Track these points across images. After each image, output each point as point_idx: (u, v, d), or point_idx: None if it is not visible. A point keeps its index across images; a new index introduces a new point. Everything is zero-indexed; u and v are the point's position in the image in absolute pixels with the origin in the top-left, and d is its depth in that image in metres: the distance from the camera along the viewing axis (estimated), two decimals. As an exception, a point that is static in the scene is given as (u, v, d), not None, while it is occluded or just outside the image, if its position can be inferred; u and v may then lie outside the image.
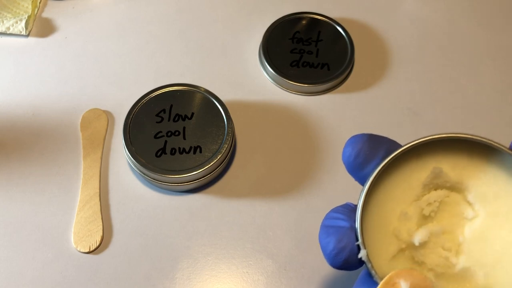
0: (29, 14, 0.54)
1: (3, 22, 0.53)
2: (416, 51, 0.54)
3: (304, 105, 0.49)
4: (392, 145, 0.27)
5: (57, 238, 0.42)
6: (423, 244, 0.26)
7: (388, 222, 0.27)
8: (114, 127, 0.48)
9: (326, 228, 0.28)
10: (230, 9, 0.57)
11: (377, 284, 0.25)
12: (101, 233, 0.41)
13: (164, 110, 0.45)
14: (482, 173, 0.26)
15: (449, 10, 0.57)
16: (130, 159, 0.43)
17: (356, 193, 0.44)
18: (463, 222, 0.27)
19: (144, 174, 0.43)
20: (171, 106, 0.45)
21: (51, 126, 0.48)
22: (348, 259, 0.26)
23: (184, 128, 0.44)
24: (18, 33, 0.53)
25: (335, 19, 0.53)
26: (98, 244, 0.41)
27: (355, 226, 0.26)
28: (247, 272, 0.40)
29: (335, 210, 0.29)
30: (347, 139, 0.28)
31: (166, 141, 0.43)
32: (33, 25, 0.55)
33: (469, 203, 0.27)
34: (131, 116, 0.45)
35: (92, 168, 0.45)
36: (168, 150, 0.43)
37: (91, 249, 0.41)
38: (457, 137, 0.26)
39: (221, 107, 0.45)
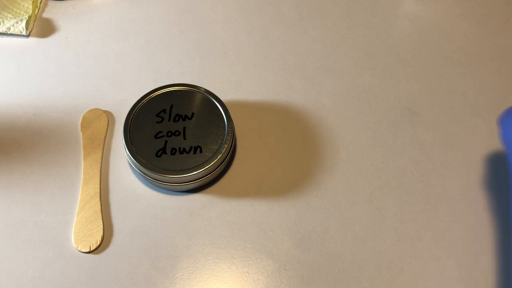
0: (30, 14, 0.54)
1: (3, 22, 0.53)
2: (416, 51, 0.54)
3: (304, 105, 0.50)
4: None
5: (58, 237, 0.42)
6: None
7: None
8: (114, 127, 0.48)
9: None
10: (230, 9, 0.57)
11: None
12: (101, 233, 0.42)
13: (164, 110, 0.45)
14: None
15: (449, 10, 0.58)
16: (131, 159, 0.43)
17: (355, 194, 0.45)
18: None
19: (144, 174, 0.43)
20: (171, 106, 0.45)
21: (52, 126, 0.48)
22: None
23: (184, 128, 0.44)
24: (19, 33, 0.53)
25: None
26: (98, 243, 0.41)
27: None
28: (247, 271, 0.40)
29: None
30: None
31: (166, 141, 0.43)
32: (33, 25, 0.55)
33: None
34: (131, 116, 0.45)
35: (93, 168, 0.45)
36: (168, 150, 0.43)
37: (91, 249, 0.41)
38: None
39: (221, 107, 0.45)
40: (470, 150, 0.47)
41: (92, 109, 0.49)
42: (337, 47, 0.54)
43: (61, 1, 0.57)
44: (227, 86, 0.51)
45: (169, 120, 0.45)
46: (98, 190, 0.44)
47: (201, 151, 0.43)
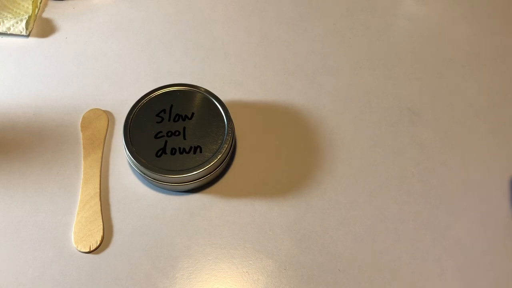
0: (30, 14, 0.54)
1: (3, 22, 0.53)
2: (416, 51, 0.54)
3: (304, 105, 0.50)
4: None
5: (58, 237, 0.42)
6: None
7: None
8: (114, 127, 0.48)
9: None
10: (230, 9, 0.57)
11: None
12: (101, 233, 0.42)
13: (164, 110, 0.45)
14: None
15: (449, 10, 0.58)
16: (131, 159, 0.43)
17: (355, 194, 0.45)
18: None
19: (144, 174, 0.43)
20: (171, 106, 0.45)
21: (52, 126, 0.48)
22: None
23: (184, 128, 0.44)
24: (19, 33, 0.53)
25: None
26: (98, 243, 0.41)
27: None
28: (247, 271, 0.40)
29: None
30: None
31: (166, 141, 0.43)
32: (33, 25, 0.55)
33: None
34: (131, 116, 0.45)
35: (93, 168, 0.45)
36: (168, 150, 0.43)
37: (91, 249, 0.41)
38: None
39: (221, 107, 0.45)
40: (470, 150, 0.47)
41: (92, 109, 0.49)
42: (337, 47, 0.54)
43: (61, 1, 0.57)
44: (227, 86, 0.51)
45: (169, 120, 0.45)
46: (98, 190, 0.44)
47: (201, 151, 0.43)
